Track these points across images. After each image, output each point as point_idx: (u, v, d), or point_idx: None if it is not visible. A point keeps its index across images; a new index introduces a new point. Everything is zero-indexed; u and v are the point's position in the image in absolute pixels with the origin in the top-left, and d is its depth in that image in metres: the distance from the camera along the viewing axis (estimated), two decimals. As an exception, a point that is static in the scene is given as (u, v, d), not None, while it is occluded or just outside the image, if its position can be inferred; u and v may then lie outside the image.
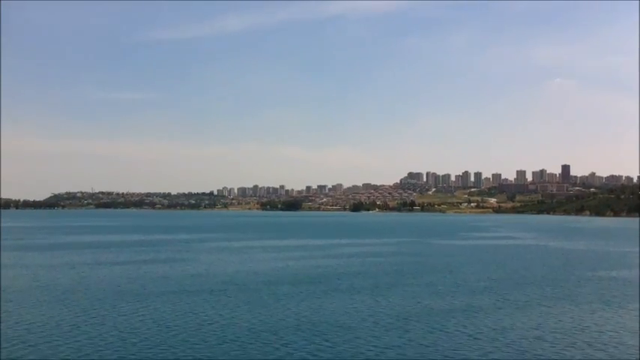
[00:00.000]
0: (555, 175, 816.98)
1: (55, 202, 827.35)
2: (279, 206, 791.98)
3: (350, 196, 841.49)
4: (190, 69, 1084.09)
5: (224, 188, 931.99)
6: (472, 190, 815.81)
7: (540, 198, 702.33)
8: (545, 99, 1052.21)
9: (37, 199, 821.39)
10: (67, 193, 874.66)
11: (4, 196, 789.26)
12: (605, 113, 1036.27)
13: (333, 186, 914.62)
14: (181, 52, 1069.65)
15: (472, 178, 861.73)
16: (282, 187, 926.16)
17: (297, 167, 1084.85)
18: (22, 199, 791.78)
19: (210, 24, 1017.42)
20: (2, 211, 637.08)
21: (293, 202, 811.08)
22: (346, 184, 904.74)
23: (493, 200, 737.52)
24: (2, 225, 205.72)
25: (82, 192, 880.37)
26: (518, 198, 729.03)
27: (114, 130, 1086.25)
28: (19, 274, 63.14)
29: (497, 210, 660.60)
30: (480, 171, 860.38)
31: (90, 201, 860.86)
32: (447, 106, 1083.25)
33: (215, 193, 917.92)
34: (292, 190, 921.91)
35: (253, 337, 34.15)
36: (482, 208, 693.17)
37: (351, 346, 32.12)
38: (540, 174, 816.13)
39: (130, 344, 32.10)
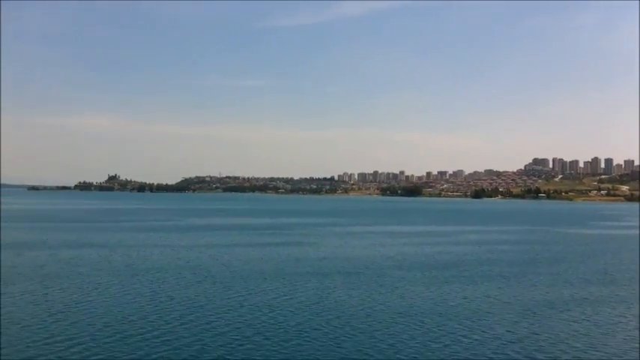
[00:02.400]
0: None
1: (185, 186, 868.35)
2: (399, 192, 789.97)
3: (471, 183, 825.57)
4: (310, 55, 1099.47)
5: (344, 174, 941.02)
6: (602, 177, 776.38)
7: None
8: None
9: (169, 183, 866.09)
10: (196, 177, 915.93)
11: (140, 179, 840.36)
12: None
13: (454, 172, 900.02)
14: (300, 39, 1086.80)
15: (602, 165, 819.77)
16: (401, 172, 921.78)
17: (417, 152, 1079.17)
18: (155, 183, 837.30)
19: (328, 9, 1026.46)
20: (138, 193, 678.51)
21: (413, 188, 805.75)
22: (467, 170, 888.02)
23: (625, 188, 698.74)
24: (145, 207, 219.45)
25: (210, 176, 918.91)
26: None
27: (239, 116, 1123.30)
28: (165, 253, 68.04)
29: (630, 198, 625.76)
30: (610, 157, 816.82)
31: (218, 185, 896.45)
32: (576, 87, 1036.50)
33: (336, 178, 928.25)
34: (412, 175, 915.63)
35: (390, 320, 35.47)
36: (614, 196, 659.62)
37: (482, 332, 32.78)
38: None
39: (270, 323, 34.37)
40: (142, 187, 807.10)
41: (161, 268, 54.87)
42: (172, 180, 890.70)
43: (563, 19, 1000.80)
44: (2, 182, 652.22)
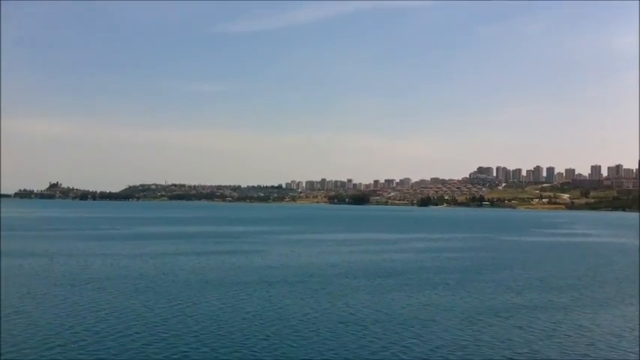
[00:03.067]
0: (632, 170, 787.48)
1: (129, 194, 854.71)
2: (347, 200, 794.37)
3: (418, 191, 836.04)
4: (262, 60, 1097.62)
5: (292, 182, 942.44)
6: (544, 185, 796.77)
7: (616, 194, 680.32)
8: (622, 90, 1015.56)
9: (113, 191, 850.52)
10: (141, 185, 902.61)
11: (83, 187, 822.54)
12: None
13: (400, 180, 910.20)
14: (252, 43, 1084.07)
15: (544, 173, 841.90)
16: (349, 180, 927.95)
17: (366, 160, 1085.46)
18: (99, 191, 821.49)
19: (283, 15, 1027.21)
20: (80, 202, 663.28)
21: (360, 196, 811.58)
22: (414, 179, 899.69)
23: (566, 196, 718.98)
24: (83, 215, 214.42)
25: (155, 184, 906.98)
26: (592, 194, 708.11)
27: (186, 122, 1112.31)
28: (105, 263, 66.20)
29: (570, 206, 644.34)
30: (552, 166, 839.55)
31: (163, 193, 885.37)
32: (520, 97, 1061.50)
33: (283, 186, 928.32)
34: (360, 183, 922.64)
35: (333, 328, 35.14)
36: (555, 204, 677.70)
37: (426, 340, 32.71)
38: (616, 169, 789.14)
39: (216, 333, 33.57)
40: (84, 195, 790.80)
41: (101, 278, 53.25)
42: (116, 188, 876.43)
43: (512, 28, 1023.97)
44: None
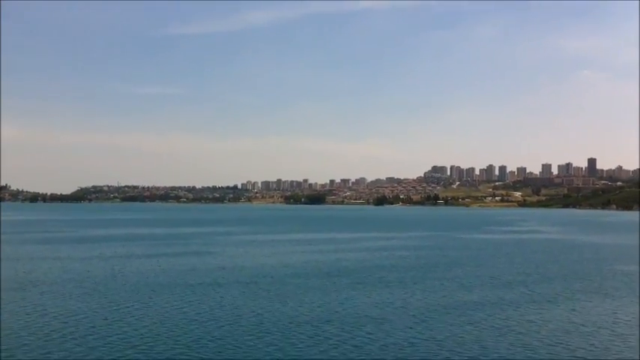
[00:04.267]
0: (581, 168, 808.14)
1: (81, 196, 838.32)
2: (303, 200, 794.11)
3: (373, 190, 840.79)
4: (215, 63, 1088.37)
5: (248, 182, 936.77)
6: (497, 183, 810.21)
7: (566, 192, 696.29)
8: (572, 91, 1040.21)
9: (64, 193, 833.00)
10: (93, 187, 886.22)
11: (33, 189, 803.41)
12: (632, 106, 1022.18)
13: (356, 180, 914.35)
14: (205, 46, 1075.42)
15: (497, 172, 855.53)
16: (305, 180, 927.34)
17: (321, 161, 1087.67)
18: (49, 193, 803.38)
19: (236, 18, 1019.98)
20: (30, 204, 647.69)
21: (316, 196, 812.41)
22: (370, 178, 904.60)
23: (518, 194, 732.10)
24: (31, 218, 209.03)
25: (108, 186, 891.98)
26: (543, 192, 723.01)
27: (139, 124, 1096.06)
28: (54, 266, 64.38)
29: (522, 204, 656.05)
30: (504, 164, 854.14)
31: (116, 194, 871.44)
32: (473, 98, 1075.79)
33: (239, 186, 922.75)
34: (316, 183, 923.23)
35: (283, 328, 34.72)
36: (507, 202, 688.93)
37: (379, 337, 32.54)
38: (566, 167, 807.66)
39: (163, 336, 32.81)
40: (34, 198, 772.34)
41: (48, 281, 51.76)
42: (68, 190, 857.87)
43: (463, 32, 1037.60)
44: None
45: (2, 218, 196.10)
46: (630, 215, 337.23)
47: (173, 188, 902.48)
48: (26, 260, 69.57)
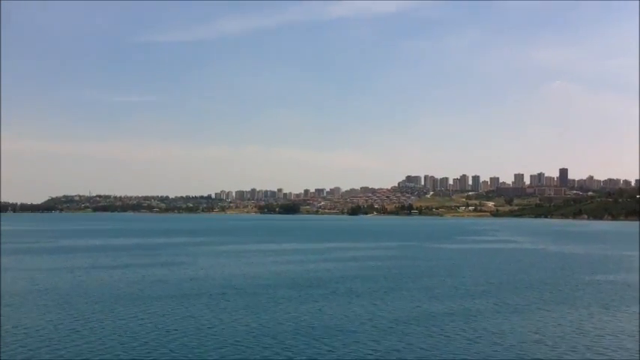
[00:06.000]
0: (553, 178, 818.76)
1: (52, 206, 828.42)
2: (277, 210, 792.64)
3: (348, 200, 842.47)
4: (188, 71, 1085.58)
5: (222, 192, 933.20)
6: (470, 193, 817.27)
7: (538, 202, 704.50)
8: (544, 102, 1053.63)
9: (35, 203, 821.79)
10: (64, 197, 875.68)
11: (2, 199, 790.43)
12: (603, 116, 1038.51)
13: (330, 189, 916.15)
14: (179, 54, 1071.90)
15: (470, 182, 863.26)
16: (280, 190, 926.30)
17: (295, 170, 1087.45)
18: (19, 203, 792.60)
19: (209, 26, 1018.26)
20: (0, 214, 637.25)
21: (291, 206, 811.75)
22: (344, 188, 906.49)
23: (491, 204, 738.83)
24: (1, 228, 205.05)
25: (79, 195, 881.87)
26: (515, 202, 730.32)
27: (112, 133, 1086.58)
28: (18, 277, 62.93)
29: (495, 213, 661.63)
30: (477, 174, 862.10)
31: (87, 204, 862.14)
32: (446, 109, 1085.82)
33: (213, 196, 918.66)
34: (290, 193, 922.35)
35: (252, 340, 34.09)
36: (480, 211, 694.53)
37: (350, 350, 32.09)
38: (538, 177, 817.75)
39: (129, 348, 32.02)
40: (4, 207, 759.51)
41: (9, 293, 50.35)
42: (38, 199, 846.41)
43: (436, 42, 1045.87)
44: None
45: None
46: (601, 225, 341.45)
47: (146, 198, 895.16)
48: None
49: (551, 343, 34.33)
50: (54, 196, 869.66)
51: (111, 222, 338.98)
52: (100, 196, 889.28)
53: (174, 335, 35.20)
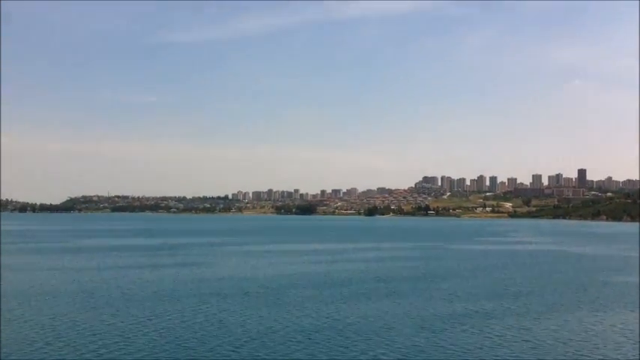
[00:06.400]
0: (571, 179, 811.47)
1: (71, 206, 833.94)
2: (294, 210, 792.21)
3: (364, 201, 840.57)
4: (206, 71, 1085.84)
5: (239, 192, 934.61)
6: (487, 194, 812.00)
7: (556, 203, 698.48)
8: (563, 101, 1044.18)
9: (54, 203, 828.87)
10: (83, 197, 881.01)
11: (22, 199, 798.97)
12: (623, 116, 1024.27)
13: (347, 190, 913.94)
14: (196, 54, 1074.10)
15: (487, 182, 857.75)
16: (296, 191, 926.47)
17: (312, 171, 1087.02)
18: (39, 203, 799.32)
19: (226, 26, 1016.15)
20: (20, 214, 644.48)
21: (307, 207, 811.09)
22: (360, 188, 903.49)
23: (508, 205, 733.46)
24: (22, 228, 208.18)
25: (98, 196, 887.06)
26: (533, 202, 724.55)
27: (129, 133, 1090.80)
28: (44, 277, 64.67)
29: (513, 214, 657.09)
30: (495, 175, 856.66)
31: (106, 204, 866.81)
32: (463, 109, 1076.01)
33: (230, 197, 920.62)
34: (307, 194, 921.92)
35: (280, 338, 35.35)
36: (498, 212, 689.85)
37: (371, 349, 33.21)
38: (556, 178, 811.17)
39: (160, 346, 33.40)
40: (23, 208, 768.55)
41: (52, 293, 52.15)
42: (57, 200, 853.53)
43: (453, 41, 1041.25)
44: None
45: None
46: (620, 226, 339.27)
47: (163, 198, 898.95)
48: (26, 271, 69.88)
49: (575, 343, 35.27)
50: (73, 196, 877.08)
51: (130, 222, 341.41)
52: (118, 197, 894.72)
53: (204, 333, 36.55)
